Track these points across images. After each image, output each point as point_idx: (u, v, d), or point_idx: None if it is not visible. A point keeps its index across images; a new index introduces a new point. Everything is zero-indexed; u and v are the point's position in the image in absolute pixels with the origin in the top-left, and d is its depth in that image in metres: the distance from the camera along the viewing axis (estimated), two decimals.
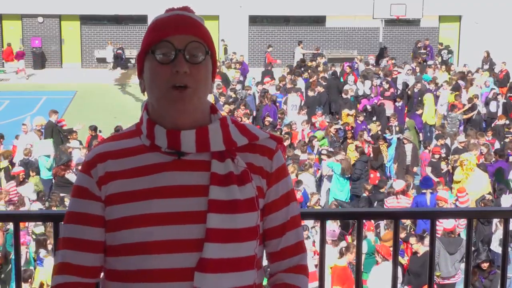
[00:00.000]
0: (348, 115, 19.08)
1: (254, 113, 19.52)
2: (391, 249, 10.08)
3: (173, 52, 1.96)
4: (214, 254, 1.94)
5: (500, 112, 19.76)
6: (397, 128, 17.53)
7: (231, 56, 27.56)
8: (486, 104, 20.66)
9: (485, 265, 10.01)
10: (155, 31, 2.00)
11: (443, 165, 15.13)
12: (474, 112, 19.58)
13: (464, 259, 7.46)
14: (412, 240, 10.29)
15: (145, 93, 2.06)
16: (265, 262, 2.21)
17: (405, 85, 22.28)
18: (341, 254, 9.73)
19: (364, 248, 10.18)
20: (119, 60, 30.45)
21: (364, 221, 7.98)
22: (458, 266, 10.57)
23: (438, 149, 15.59)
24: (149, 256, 1.95)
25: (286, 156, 14.27)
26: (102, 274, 2.12)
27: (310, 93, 20.83)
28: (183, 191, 1.98)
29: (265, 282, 2.34)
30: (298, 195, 12.60)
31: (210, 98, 17.34)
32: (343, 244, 10.47)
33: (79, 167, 3.88)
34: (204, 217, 1.95)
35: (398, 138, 16.66)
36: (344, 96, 20.72)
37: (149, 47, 2.00)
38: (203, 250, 1.94)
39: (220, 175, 1.99)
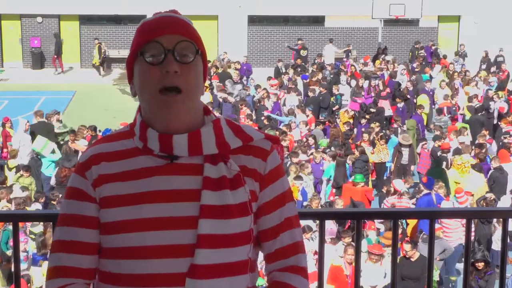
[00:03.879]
0: (348, 115, 18.98)
1: (254, 114, 19.49)
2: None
3: (163, 53, 1.93)
4: (205, 260, 1.92)
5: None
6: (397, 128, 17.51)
7: (223, 56, 27.19)
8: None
9: (479, 265, 9.93)
10: (143, 33, 1.98)
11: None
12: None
13: (462, 259, 7.44)
14: (407, 247, 10.12)
15: (137, 96, 2.02)
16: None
17: (398, 84, 22.27)
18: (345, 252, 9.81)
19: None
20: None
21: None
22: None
23: (447, 145, 15.63)
24: (141, 260, 1.93)
25: (284, 156, 14.22)
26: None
27: (310, 94, 20.79)
28: (175, 195, 1.95)
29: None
30: (296, 194, 12.55)
31: (208, 98, 17.06)
32: (341, 244, 10.47)
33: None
34: (197, 222, 1.93)
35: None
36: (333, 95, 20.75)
37: (138, 49, 1.97)
38: (194, 256, 1.92)
39: (212, 179, 1.96)
